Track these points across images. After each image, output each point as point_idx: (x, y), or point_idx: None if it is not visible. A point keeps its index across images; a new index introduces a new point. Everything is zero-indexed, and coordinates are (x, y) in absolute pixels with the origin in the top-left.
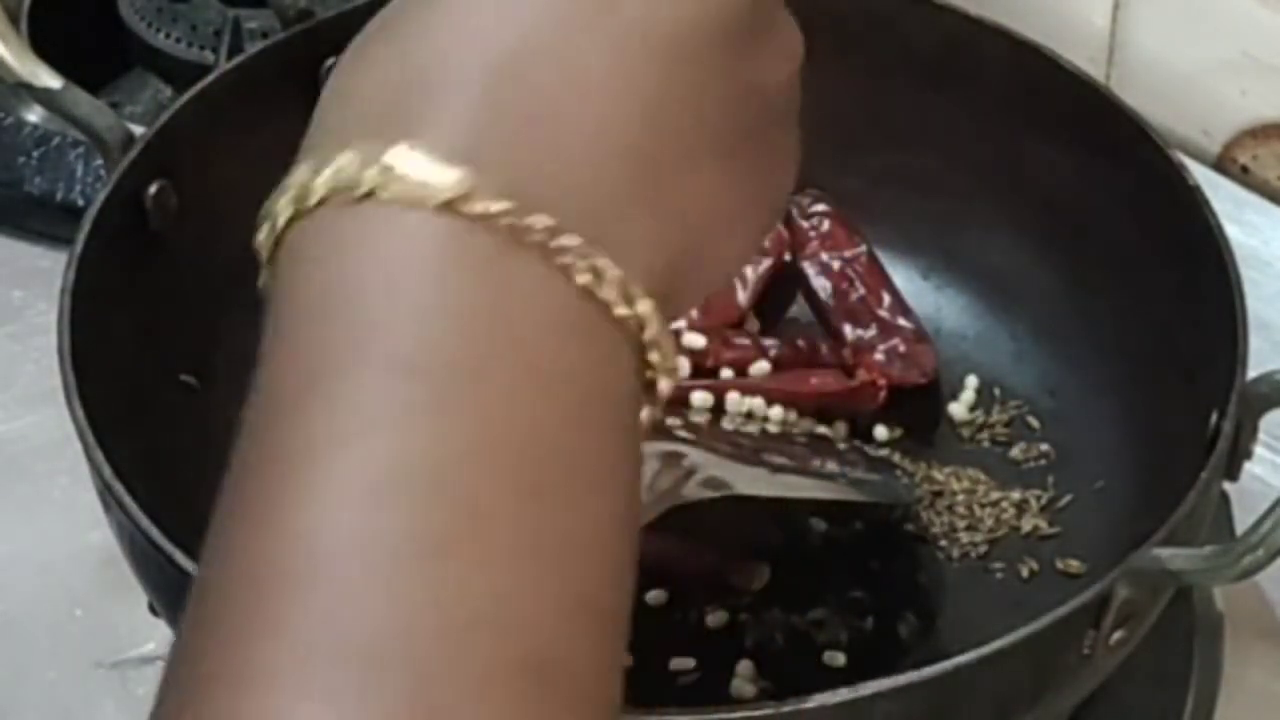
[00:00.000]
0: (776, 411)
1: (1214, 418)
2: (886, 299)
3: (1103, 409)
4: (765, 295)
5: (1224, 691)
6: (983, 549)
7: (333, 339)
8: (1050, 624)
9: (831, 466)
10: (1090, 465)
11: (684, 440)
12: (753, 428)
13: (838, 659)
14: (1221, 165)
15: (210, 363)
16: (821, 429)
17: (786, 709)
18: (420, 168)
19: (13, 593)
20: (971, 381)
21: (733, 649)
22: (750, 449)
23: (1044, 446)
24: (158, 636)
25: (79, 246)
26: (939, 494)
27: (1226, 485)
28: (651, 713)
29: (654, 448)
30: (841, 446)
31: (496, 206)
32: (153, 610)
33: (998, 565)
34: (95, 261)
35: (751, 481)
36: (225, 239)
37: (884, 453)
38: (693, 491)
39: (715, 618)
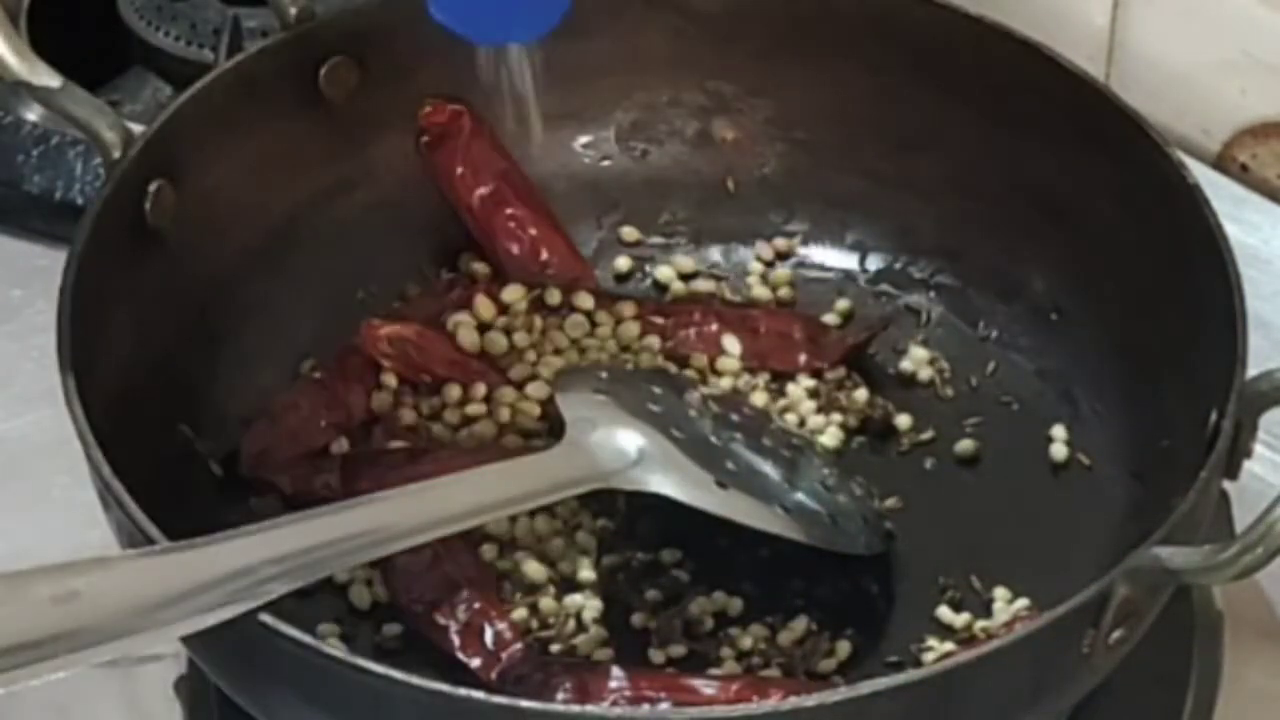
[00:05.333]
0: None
1: (1214, 416)
2: None
3: (1103, 407)
4: None
5: (1224, 691)
6: None
7: None
8: (1049, 623)
9: (796, 495)
10: (1091, 463)
11: (653, 415)
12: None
13: (835, 657)
14: (1221, 164)
15: (209, 361)
16: (824, 437)
17: (786, 708)
18: None
19: None
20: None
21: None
22: (715, 443)
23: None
24: None
25: (78, 245)
26: None
27: (1226, 484)
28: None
29: (612, 421)
30: (826, 470)
31: None
32: None
33: None
34: (94, 260)
35: (692, 488)
36: (225, 238)
37: (861, 483)
38: (625, 480)
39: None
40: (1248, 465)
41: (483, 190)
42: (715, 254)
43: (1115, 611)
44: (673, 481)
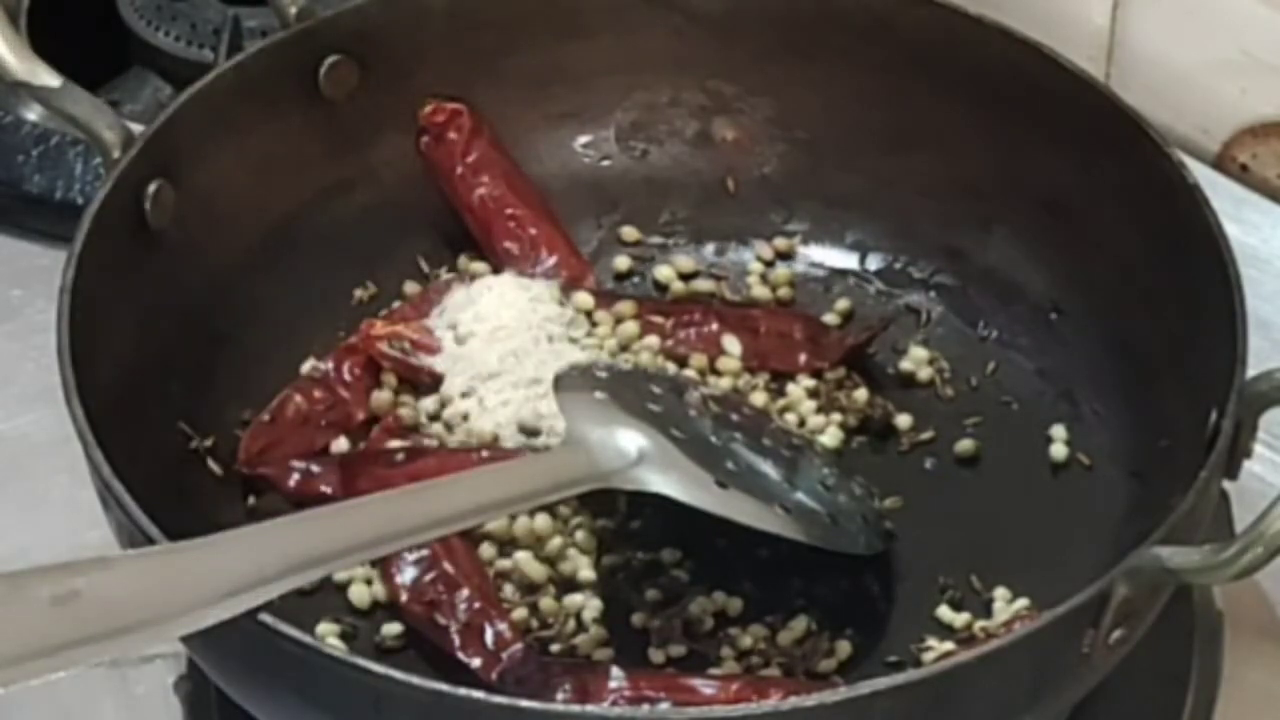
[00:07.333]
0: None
1: (1214, 416)
2: None
3: (1103, 407)
4: None
5: (1224, 691)
6: None
7: None
8: (1049, 623)
9: (796, 495)
10: (1091, 463)
11: (653, 415)
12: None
13: (835, 657)
14: (1221, 164)
15: (209, 361)
16: (824, 437)
17: (786, 708)
18: None
19: None
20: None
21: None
22: (715, 443)
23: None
24: None
25: (78, 245)
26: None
27: (1226, 484)
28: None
29: (612, 421)
30: (826, 470)
31: None
32: None
33: None
34: (94, 260)
35: (692, 488)
36: (224, 238)
37: (861, 483)
38: (625, 480)
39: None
40: (1248, 465)
41: (483, 190)
42: (715, 254)
43: (1115, 611)
44: (673, 481)
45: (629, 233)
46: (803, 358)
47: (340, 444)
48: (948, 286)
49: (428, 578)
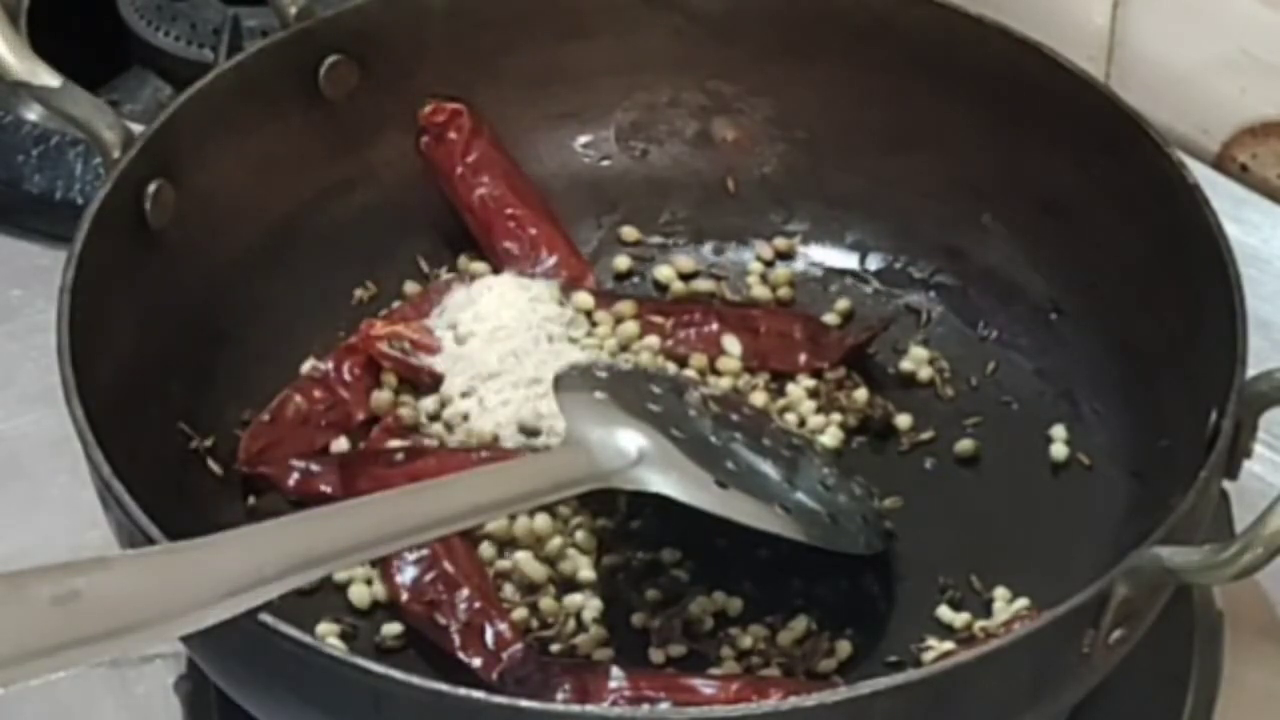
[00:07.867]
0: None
1: (1213, 416)
2: None
3: (1103, 407)
4: None
5: (1224, 691)
6: None
7: None
8: (1049, 623)
9: (797, 495)
10: (1091, 463)
11: (653, 415)
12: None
13: (835, 657)
14: (1221, 163)
15: (209, 361)
16: (824, 437)
17: (786, 708)
18: None
19: None
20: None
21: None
22: (715, 443)
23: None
24: None
25: (78, 245)
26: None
27: (1226, 484)
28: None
29: (612, 421)
30: (826, 470)
31: None
32: None
33: None
34: (94, 260)
35: (692, 488)
36: (225, 238)
37: (861, 483)
38: (625, 480)
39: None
40: (1248, 465)
41: (483, 190)
42: (715, 254)
43: (1115, 611)
44: (673, 481)
45: (629, 233)
46: (803, 358)
47: (340, 444)
48: (948, 286)
49: (428, 578)
